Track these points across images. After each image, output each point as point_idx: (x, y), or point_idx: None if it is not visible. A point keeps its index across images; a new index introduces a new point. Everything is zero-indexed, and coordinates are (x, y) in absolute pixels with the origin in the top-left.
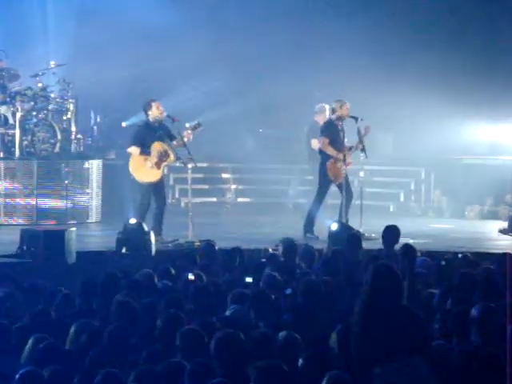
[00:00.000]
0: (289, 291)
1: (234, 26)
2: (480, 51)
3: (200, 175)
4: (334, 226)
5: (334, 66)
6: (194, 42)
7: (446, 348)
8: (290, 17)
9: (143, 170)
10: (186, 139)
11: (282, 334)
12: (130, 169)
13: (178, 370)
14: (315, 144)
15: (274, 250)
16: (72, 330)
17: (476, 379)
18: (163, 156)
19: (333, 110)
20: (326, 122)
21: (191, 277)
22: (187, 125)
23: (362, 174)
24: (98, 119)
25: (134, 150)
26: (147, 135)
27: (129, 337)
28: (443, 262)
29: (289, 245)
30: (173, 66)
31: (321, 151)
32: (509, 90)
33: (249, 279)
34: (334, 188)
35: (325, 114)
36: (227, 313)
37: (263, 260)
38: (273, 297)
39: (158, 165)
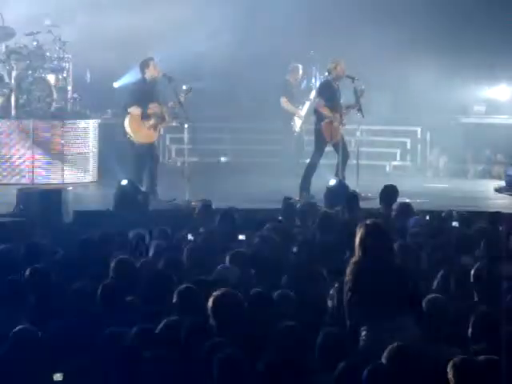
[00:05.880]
0: (295, 249)
1: None
2: (475, 13)
3: (196, 134)
4: (332, 182)
5: (330, 27)
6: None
7: (442, 301)
8: None
9: (141, 130)
10: (182, 99)
11: (277, 293)
12: (128, 129)
13: (175, 329)
14: (284, 102)
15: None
16: (71, 289)
17: (471, 335)
18: (160, 118)
19: (328, 71)
20: (322, 82)
21: (191, 237)
22: (184, 87)
23: (358, 133)
24: (94, 78)
25: (134, 110)
26: (144, 94)
27: (123, 292)
28: (455, 224)
29: (287, 204)
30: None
31: (316, 112)
32: (506, 51)
33: (241, 237)
34: (329, 148)
35: (297, 73)
36: (217, 270)
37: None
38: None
39: (154, 126)
